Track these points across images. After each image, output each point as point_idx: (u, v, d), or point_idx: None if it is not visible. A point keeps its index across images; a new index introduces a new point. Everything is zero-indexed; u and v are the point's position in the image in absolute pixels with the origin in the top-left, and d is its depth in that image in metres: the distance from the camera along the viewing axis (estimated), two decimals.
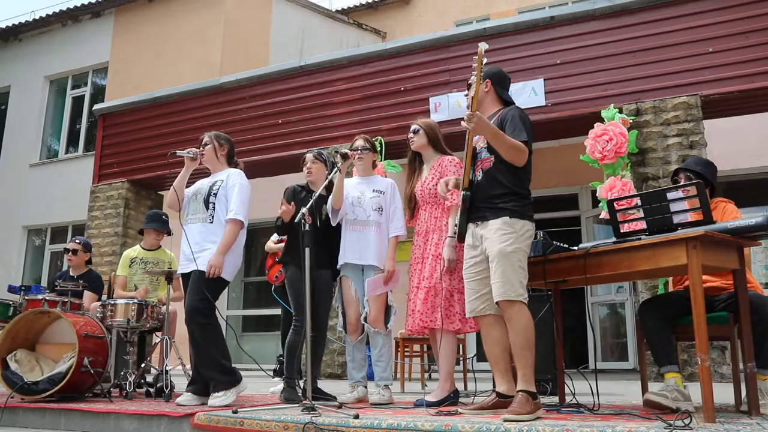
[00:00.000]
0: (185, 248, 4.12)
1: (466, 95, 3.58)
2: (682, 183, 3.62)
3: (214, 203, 4.13)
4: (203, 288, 3.98)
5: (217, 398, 3.83)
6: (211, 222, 4.11)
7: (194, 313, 3.96)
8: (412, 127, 4.22)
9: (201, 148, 4.28)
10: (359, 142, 4.39)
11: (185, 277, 4.17)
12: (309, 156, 4.54)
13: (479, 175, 3.39)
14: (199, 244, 4.06)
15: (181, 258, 4.19)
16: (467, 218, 3.41)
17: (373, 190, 4.30)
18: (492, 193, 3.30)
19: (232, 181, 4.20)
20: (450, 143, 4.29)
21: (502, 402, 3.29)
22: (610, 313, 9.21)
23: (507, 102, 3.53)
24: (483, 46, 3.27)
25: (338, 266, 4.28)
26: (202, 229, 4.10)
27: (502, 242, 3.18)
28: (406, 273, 4.20)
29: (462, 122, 3.20)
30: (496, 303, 3.22)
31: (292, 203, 4.27)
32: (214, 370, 3.94)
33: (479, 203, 3.35)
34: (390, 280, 4.15)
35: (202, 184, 4.27)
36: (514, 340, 3.17)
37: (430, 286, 3.90)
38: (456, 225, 3.51)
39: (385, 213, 4.27)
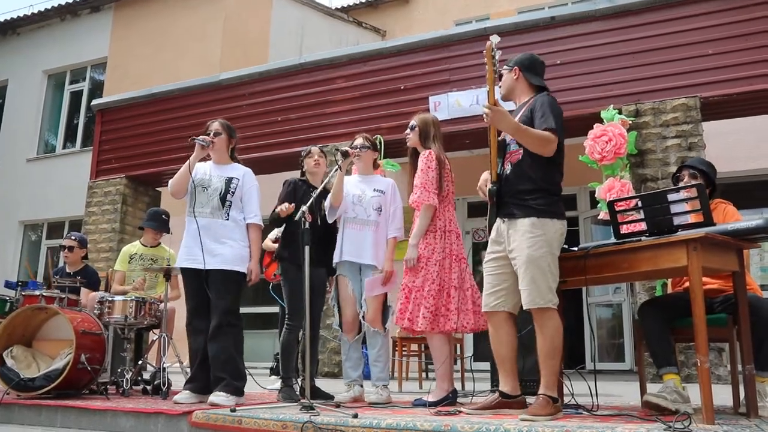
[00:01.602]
0: (195, 241, 3.99)
1: (498, 85, 3.46)
2: (685, 181, 3.62)
3: (231, 202, 4.11)
4: (233, 288, 4.01)
5: (219, 397, 3.78)
6: (227, 219, 4.09)
7: (229, 315, 3.96)
8: (410, 123, 4.20)
9: (212, 137, 4.17)
10: (359, 141, 4.40)
11: (192, 272, 4.05)
12: (315, 149, 4.56)
13: (508, 169, 3.28)
14: (218, 240, 4.01)
15: (186, 252, 4.06)
16: (495, 213, 3.30)
17: (374, 190, 4.29)
18: (520, 188, 3.19)
19: (248, 182, 4.21)
20: (448, 142, 4.27)
21: (505, 402, 3.26)
22: (607, 313, 9.21)
23: (540, 88, 3.39)
24: (494, 39, 3.17)
25: (334, 264, 4.26)
26: (218, 225, 4.05)
27: (529, 246, 3.08)
28: (401, 273, 4.18)
29: (484, 116, 3.13)
30: (527, 310, 3.15)
31: (293, 204, 4.24)
32: (230, 373, 3.89)
33: (507, 198, 3.23)
34: (388, 281, 4.13)
35: (209, 176, 4.16)
36: (541, 347, 3.11)
37: (425, 288, 3.87)
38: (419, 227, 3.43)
39: (384, 213, 4.25)
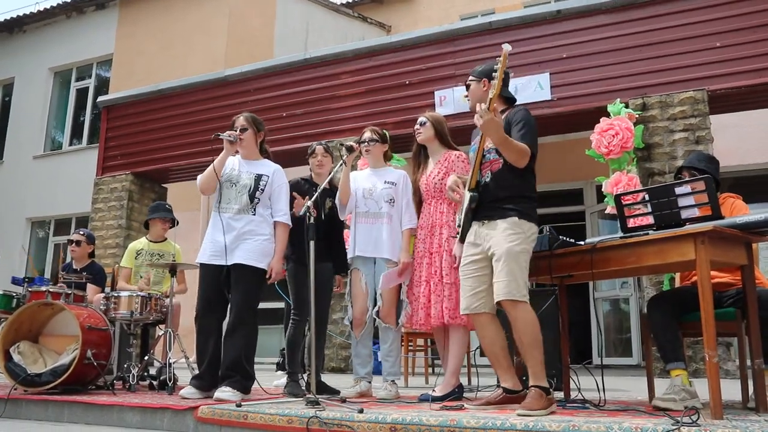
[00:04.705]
0: (220, 237, 3.95)
1: (465, 96, 3.55)
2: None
3: (259, 199, 4.05)
4: (255, 285, 3.95)
5: (225, 392, 3.73)
6: (254, 214, 4.04)
7: (248, 312, 3.91)
8: (419, 119, 4.17)
9: (239, 133, 4.09)
10: (367, 134, 4.36)
11: (212, 268, 3.98)
12: (320, 148, 4.53)
13: (487, 177, 3.33)
14: (243, 235, 3.97)
15: (211, 247, 4.01)
16: (472, 218, 3.37)
17: (385, 182, 4.26)
18: (499, 196, 3.26)
19: (278, 180, 4.15)
20: (455, 137, 4.26)
21: (509, 397, 3.27)
22: (614, 308, 9.19)
23: (510, 99, 3.47)
24: (506, 48, 3.14)
25: (349, 259, 4.25)
26: (246, 220, 4.00)
27: (510, 242, 3.14)
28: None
29: (475, 118, 3.12)
30: (498, 303, 3.18)
31: (306, 197, 4.22)
32: (238, 370, 3.86)
33: (486, 204, 3.30)
34: (404, 271, 4.08)
35: (238, 172, 4.10)
36: (521, 340, 3.14)
37: (453, 282, 3.83)
38: (459, 225, 3.47)
39: (397, 205, 4.21)
